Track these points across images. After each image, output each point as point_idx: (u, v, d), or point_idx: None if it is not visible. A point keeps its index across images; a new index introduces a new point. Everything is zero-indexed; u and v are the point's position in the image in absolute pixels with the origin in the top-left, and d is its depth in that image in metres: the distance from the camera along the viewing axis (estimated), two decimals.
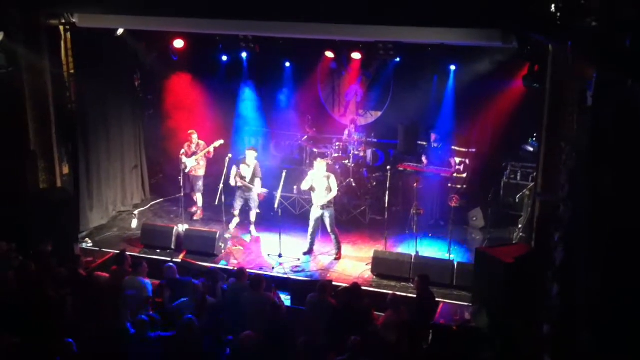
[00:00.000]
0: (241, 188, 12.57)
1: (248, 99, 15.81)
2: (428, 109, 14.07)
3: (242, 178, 12.48)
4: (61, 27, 11.74)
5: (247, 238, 12.78)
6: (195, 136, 13.34)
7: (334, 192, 11.79)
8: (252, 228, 12.90)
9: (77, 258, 10.17)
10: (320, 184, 11.74)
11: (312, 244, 12.15)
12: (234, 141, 15.18)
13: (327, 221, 11.85)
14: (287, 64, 14.77)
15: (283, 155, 15.50)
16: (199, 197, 13.70)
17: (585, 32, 6.35)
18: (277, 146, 15.99)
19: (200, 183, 13.57)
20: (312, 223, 11.98)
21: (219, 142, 13.28)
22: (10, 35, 10.97)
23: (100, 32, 12.18)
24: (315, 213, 11.90)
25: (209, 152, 13.28)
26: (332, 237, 12.02)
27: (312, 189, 11.82)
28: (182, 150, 13.31)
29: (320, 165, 11.86)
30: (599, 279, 4.62)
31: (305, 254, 12.12)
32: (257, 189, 12.52)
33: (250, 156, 12.48)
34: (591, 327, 4.80)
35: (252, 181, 12.49)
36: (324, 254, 12.19)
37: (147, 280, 9.32)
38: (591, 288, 4.85)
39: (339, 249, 12.08)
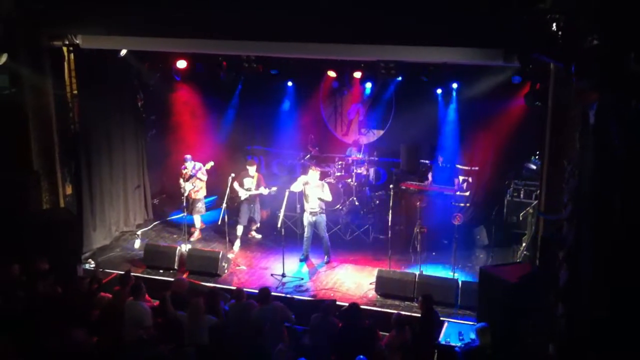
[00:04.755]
0: (246, 201, 13.11)
1: (251, 118, 15.81)
2: (430, 127, 14.06)
3: (247, 190, 13.03)
4: (64, 48, 11.84)
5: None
6: (189, 160, 13.42)
7: (329, 199, 12.34)
8: (253, 232, 13.69)
9: (96, 278, 10.15)
10: (313, 192, 12.15)
11: (307, 250, 12.60)
12: (236, 160, 15.14)
13: (320, 226, 12.32)
14: (290, 84, 14.80)
15: (285, 175, 15.48)
16: (197, 219, 13.72)
17: (587, 52, 6.37)
18: (279, 166, 15.98)
19: (199, 205, 13.60)
20: (306, 229, 12.45)
21: (209, 164, 13.41)
22: (13, 56, 11.04)
23: (104, 53, 12.24)
24: (307, 219, 12.34)
25: (199, 178, 13.37)
26: (323, 241, 12.52)
27: (305, 197, 12.26)
28: (181, 177, 13.41)
29: (314, 174, 12.24)
30: (606, 298, 4.59)
31: (301, 260, 12.54)
32: (265, 192, 13.11)
33: (252, 169, 13.08)
34: (597, 347, 4.76)
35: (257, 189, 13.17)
36: (326, 271, 12.22)
37: (147, 307, 9.14)
38: (597, 308, 4.82)
39: (328, 253, 12.61)
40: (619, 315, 4.53)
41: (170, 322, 9.02)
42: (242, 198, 13.06)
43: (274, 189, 13.07)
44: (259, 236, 13.74)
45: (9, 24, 11.00)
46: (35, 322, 8.54)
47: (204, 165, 13.37)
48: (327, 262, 12.51)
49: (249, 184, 13.08)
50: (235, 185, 12.95)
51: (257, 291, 9.56)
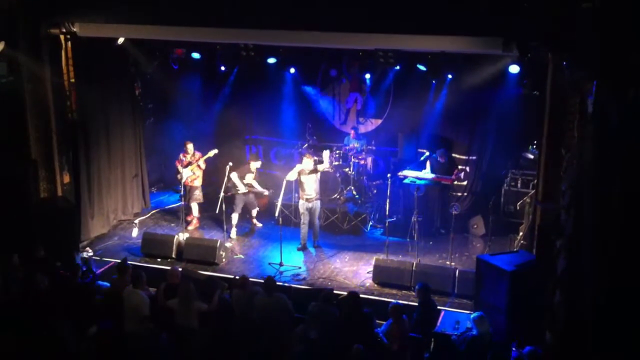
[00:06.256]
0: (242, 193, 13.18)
1: (249, 107, 15.79)
2: (428, 116, 14.07)
3: (247, 185, 13.08)
4: (62, 37, 11.79)
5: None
6: (190, 146, 13.43)
7: (327, 165, 12.71)
8: (255, 220, 13.61)
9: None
10: (309, 179, 12.24)
11: (304, 239, 12.65)
12: (234, 150, 15.12)
13: (315, 212, 12.49)
14: (289, 72, 14.75)
15: (283, 164, 15.47)
16: (194, 207, 13.73)
17: (585, 42, 6.37)
18: (277, 155, 15.98)
19: (197, 192, 13.61)
20: (302, 217, 12.54)
21: (212, 152, 13.38)
22: (11, 44, 11.01)
23: (101, 41, 12.20)
24: (304, 206, 12.42)
25: (199, 166, 13.39)
26: (314, 227, 12.69)
27: (300, 185, 12.35)
28: (179, 162, 13.39)
29: (308, 161, 12.29)
30: (605, 287, 4.61)
31: (299, 249, 12.60)
32: (265, 192, 13.43)
33: (255, 164, 13.15)
34: (595, 335, 4.79)
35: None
36: (324, 260, 12.24)
37: (146, 295, 9.10)
38: (596, 296, 4.84)
39: (317, 238, 12.85)
40: (620, 305, 4.55)
41: (163, 311, 9.04)
42: (240, 192, 13.03)
43: (268, 192, 13.45)
44: (260, 224, 13.74)
45: (7, 12, 10.96)
46: (33, 314, 8.55)
47: (206, 154, 13.35)
48: (316, 246, 12.69)
49: (250, 179, 13.07)
50: (234, 178, 12.88)
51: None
